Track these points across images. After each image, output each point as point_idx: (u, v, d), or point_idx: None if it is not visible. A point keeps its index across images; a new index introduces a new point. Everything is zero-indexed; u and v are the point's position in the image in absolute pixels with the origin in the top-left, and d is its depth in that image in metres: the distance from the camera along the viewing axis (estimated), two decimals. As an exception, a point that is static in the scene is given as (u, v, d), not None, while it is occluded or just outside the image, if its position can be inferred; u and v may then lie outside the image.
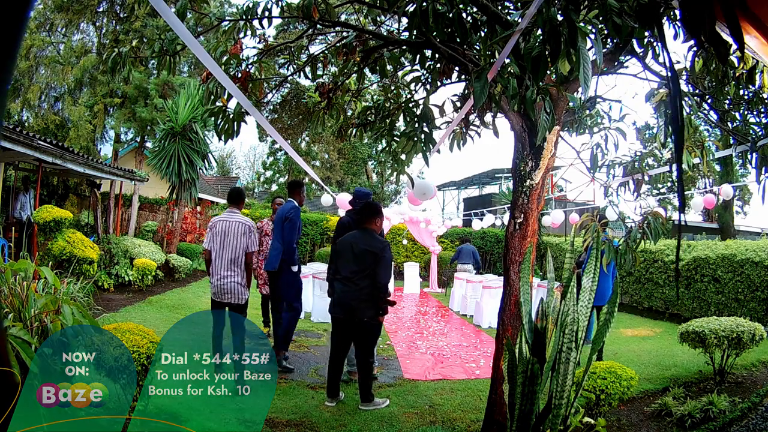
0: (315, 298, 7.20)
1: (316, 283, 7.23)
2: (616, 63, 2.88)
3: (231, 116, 2.81)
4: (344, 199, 7.04)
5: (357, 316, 3.51)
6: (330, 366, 3.72)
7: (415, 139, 2.84)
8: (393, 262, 5.44)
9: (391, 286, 4.79)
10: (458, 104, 3.15)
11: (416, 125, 2.86)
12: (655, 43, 2.74)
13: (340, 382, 3.78)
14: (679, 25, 2.54)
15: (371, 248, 3.52)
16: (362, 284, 3.50)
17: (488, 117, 3.25)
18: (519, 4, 2.52)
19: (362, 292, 3.50)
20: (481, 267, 12.31)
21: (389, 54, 2.84)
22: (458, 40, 2.24)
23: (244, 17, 2.65)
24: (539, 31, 1.75)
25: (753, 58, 2.51)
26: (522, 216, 2.76)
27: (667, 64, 1.24)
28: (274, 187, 27.25)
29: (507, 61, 2.10)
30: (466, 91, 3.00)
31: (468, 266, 10.27)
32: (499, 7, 2.56)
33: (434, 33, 2.18)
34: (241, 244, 4.01)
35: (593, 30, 1.83)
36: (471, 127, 3.30)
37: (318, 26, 2.76)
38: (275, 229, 4.63)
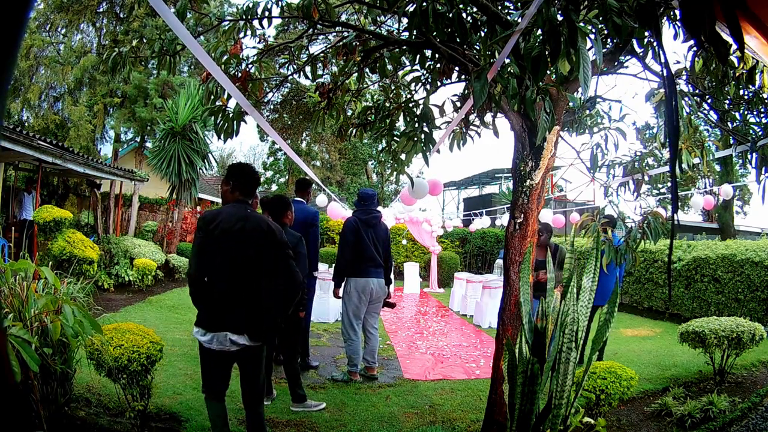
0: (315, 299, 7.20)
1: (316, 282, 7.23)
2: (616, 63, 2.87)
3: (231, 115, 2.81)
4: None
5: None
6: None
7: (415, 139, 2.84)
8: (393, 262, 5.41)
9: (391, 286, 4.78)
10: (458, 104, 3.15)
11: (416, 125, 2.86)
12: (654, 43, 2.74)
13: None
14: (679, 25, 2.54)
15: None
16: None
17: (488, 117, 3.24)
18: (519, 4, 2.52)
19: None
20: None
21: (389, 54, 2.84)
22: (458, 40, 2.24)
23: (244, 17, 2.65)
24: (539, 31, 1.75)
25: (753, 58, 2.50)
26: (522, 216, 2.75)
27: (663, 62, 1.24)
28: (274, 187, 27.26)
29: (507, 61, 2.10)
30: (466, 91, 2.99)
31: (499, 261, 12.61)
32: (499, 7, 2.56)
33: (434, 33, 2.18)
34: None
35: (593, 30, 1.83)
36: (471, 127, 3.30)
37: (318, 26, 2.75)
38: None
